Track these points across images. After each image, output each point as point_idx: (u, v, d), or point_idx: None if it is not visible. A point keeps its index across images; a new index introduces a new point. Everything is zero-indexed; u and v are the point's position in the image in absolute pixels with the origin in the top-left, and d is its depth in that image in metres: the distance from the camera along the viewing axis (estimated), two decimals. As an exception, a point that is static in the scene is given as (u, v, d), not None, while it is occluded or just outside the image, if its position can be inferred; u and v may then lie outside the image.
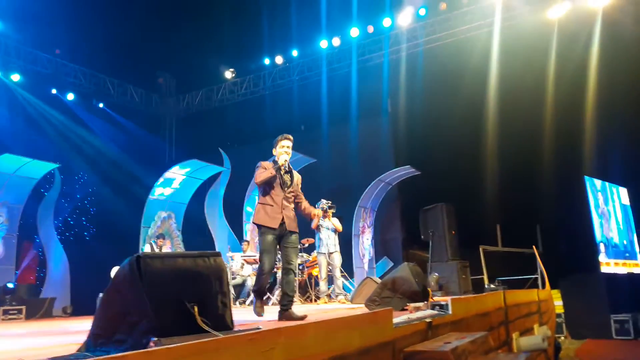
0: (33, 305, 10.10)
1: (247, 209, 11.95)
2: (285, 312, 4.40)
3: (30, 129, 12.75)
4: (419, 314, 4.30)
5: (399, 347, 3.32)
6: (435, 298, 5.92)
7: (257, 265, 9.67)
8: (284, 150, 4.74)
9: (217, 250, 11.58)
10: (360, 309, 5.43)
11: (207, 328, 2.47)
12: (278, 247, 4.68)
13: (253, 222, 4.66)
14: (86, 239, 14.10)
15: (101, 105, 14.67)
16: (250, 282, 9.70)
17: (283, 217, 4.57)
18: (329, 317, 3.03)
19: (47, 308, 10.31)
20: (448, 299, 4.54)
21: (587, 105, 11.86)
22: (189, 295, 2.54)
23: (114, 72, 14.78)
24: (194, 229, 12.33)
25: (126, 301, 2.48)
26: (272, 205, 4.60)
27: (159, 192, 11.43)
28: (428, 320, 3.89)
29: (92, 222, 14.46)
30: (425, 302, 5.03)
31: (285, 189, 4.69)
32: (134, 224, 11.56)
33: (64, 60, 13.66)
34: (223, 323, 2.63)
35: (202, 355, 1.89)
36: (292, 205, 4.77)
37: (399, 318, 3.94)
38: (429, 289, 5.34)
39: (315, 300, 9.21)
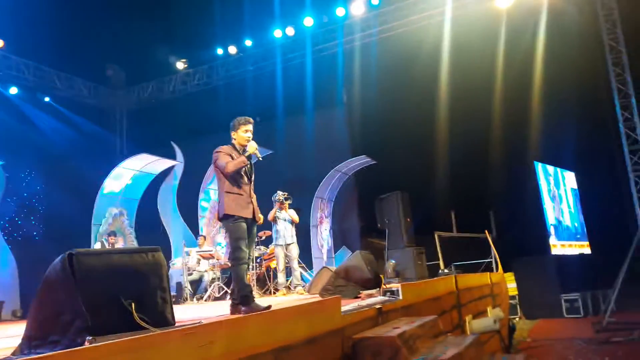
0: (-20, 309, 9.67)
1: (202, 203, 11.76)
2: (237, 306, 4.26)
3: (-31, 125, 12.13)
4: (370, 300, 4.34)
5: (348, 335, 3.33)
6: (391, 285, 5.99)
7: (213, 260, 9.58)
8: (247, 135, 4.54)
9: (172, 246, 11.42)
10: (317, 299, 5.44)
11: (145, 325, 2.40)
12: None
13: (224, 214, 4.35)
14: (35, 238, 13.58)
15: (47, 99, 14.06)
16: (208, 277, 9.57)
17: (253, 208, 4.45)
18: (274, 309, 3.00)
19: (-5, 312, 9.89)
20: (399, 285, 4.59)
21: (534, 92, 12.23)
22: (126, 292, 2.47)
23: (60, 64, 14.19)
24: (148, 225, 12.05)
25: (59, 300, 2.39)
26: (241, 195, 4.42)
27: (110, 188, 11.09)
28: (378, 306, 3.92)
29: (41, 221, 13.93)
30: (378, 289, 5.08)
31: (251, 177, 4.56)
32: (84, 222, 11.18)
33: (6, 53, 13.01)
34: (163, 319, 2.57)
35: (134, 352, 1.83)
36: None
37: (349, 306, 3.95)
38: (381, 275, 5.39)
39: (274, 293, 9.17)
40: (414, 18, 12.18)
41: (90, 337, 2.20)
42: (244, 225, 4.35)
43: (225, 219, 4.38)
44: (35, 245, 12.79)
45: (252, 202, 4.47)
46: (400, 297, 4.46)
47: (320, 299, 5.06)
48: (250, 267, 9.45)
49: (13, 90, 13.40)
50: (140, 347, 1.85)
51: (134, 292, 2.49)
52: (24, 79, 13.45)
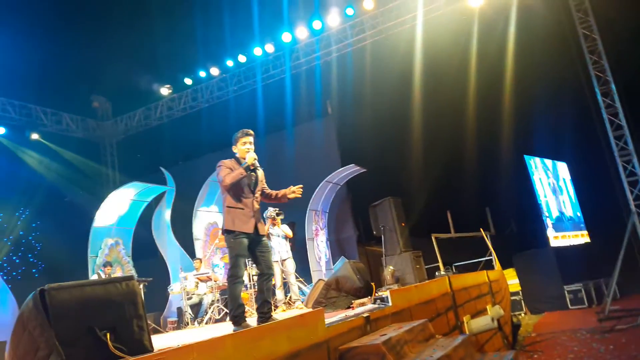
0: (-19, 352, 9.59)
1: (196, 226, 11.76)
2: (268, 319, 4.20)
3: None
4: (359, 310, 4.34)
5: (334, 346, 3.34)
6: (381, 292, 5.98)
7: (211, 282, 9.55)
8: (246, 147, 4.54)
9: (169, 271, 11.40)
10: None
11: (120, 354, 2.42)
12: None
13: (225, 229, 4.33)
14: (35, 276, 13.57)
15: (36, 136, 14.11)
16: (207, 300, 9.54)
17: (255, 221, 4.40)
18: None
19: (-3, 353, 9.82)
20: (388, 291, 4.59)
21: (512, 87, 12.34)
22: (101, 322, 2.48)
23: (45, 100, 14.27)
24: (144, 252, 12.05)
25: (34, 337, 2.40)
26: (242, 209, 4.37)
27: (104, 219, 11.10)
28: (366, 315, 3.92)
29: (39, 258, 13.93)
30: (370, 297, 5.08)
31: (254, 189, 4.53)
32: (81, 255, 11.18)
33: (-9, 93, 13.11)
34: (141, 347, 2.58)
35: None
36: (259, 208, 4.58)
37: (336, 317, 3.96)
38: (372, 283, 5.39)
39: (274, 310, 9.14)
40: (389, 25, 12.29)
41: (65, 372, 2.21)
42: (245, 241, 4.31)
43: (226, 233, 4.36)
44: (35, 283, 12.70)
45: (254, 216, 4.42)
46: (390, 304, 4.46)
47: (302, 312, 5.05)
48: (248, 286, 9.41)
49: (0, 130, 13.45)
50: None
51: (109, 322, 2.50)
52: (10, 118, 13.51)
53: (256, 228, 4.39)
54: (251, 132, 4.64)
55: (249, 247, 4.36)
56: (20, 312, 2.49)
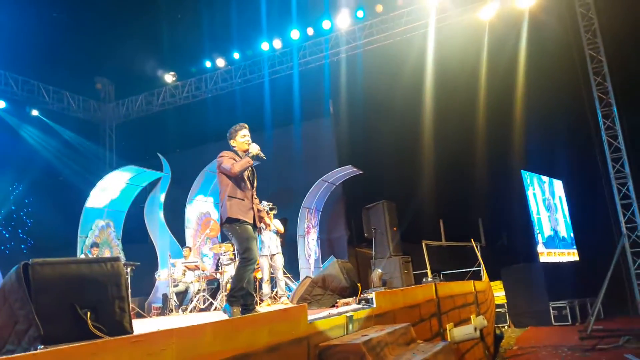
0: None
1: (188, 215, 11.77)
2: (251, 311, 4.25)
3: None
4: (342, 309, 4.35)
5: (315, 343, 3.34)
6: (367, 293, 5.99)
7: (199, 272, 9.56)
8: (246, 139, 4.60)
9: (158, 257, 11.40)
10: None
11: (99, 334, 2.42)
12: None
13: (228, 217, 4.34)
14: (24, 252, 13.54)
15: (35, 112, 14.07)
16: (193, 288, 9.55)
17: (254, 213, 4.46)
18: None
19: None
20: (373, 292, 4.61)
21: (518, 102, 12.39)
22: (83, 301, 2.49)
23: (48, 78, 14.23)
24: (135, 237, 12.04)
25: (13, 310, 2.41)
26: (243, 200, 4.44)
27: (97, 200, 11.08)
28: (349, 314, 3.93)
29: (29, 234, 13.91)
30: (355, 297, 5.10)
31: (253, 182, 4.60)
32: (71, 235, 11.16)
33: (-6, 67, 13.07)
34: (121, 328, 2.59)
35: (80, 358, 1.85)
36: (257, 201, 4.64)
37: (319, 314, 3.97)
38: (358, 284, 5.40)
39: (259, 303, 9.16)
40: (399, 30, 12.32)
41: (42, 346, 2.22)
42: (250, 226, 4.38)
43: (229, 222, 4.37)
44: (22, 258, 12.62)
45: (253, 208, 4.50)
46: (374, 305, 4.47)
47: (285, 307, 5.08)
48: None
49: (1, 104, 13.42)
50: (84, 353, 1.86)
51: (90, 301, 2.51)
52: (12, 92, 13.47)
53: (254, 220, 4.46)
54: (246, 125, 4.71)
55: None
56: (2, 284, 2.50)
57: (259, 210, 4.66)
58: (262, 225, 8.51)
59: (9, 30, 12.05)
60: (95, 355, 1.90)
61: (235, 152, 4.61)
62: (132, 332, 2.61)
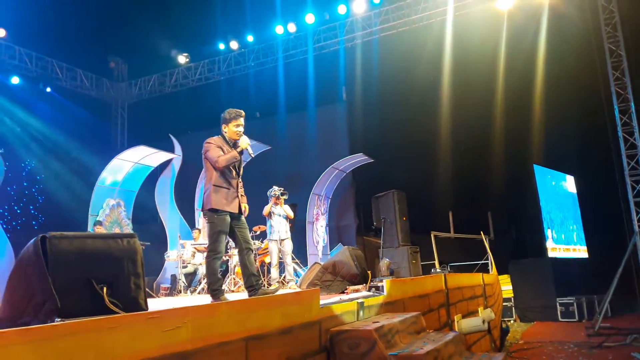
0: (-26, 296, 9.68)
1: (199, 196, 11.81)
2: (258, 291, 4.29)
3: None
4: (353, 295, 4.34)
5: (326, 327, 3.34)
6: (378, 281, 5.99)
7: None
8: (239, 129, 4.48)
9: (168, 238, 11.45)
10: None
11: (115, 309, 2.42)
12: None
13: (210, 206, 4.31)
14: (34, 228, 13.66)
15: (49, 89, 14.11)
16: (202, 270, 9.59)
17: (238, 202, 4.44)
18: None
19: (-11, 299, 9.90)
20: (384, 280, 4.59)
21: (535, 95, 12.22)
22: (99, 276, 2.48)
23: (63, 55, 14.26)
24: (145, 217, 12.10)
25: (31, 282, 2.41)
26: (228, 189, 4.40)
27: (108, 179, 11.13)
28: (360, 301, 3.92)
29: (40, 211, 14.01)
30: (365, 284, 5.09)
31: (239, 171, 4.56)
32: (82, 212, 11.24)
33: (9, 42, 13.07)
34: (136, 304, 2.59)
35: (97, 332, 1.84)
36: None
37: (330, 299, 3.97)
38: (368, 271, 5.39)
39: (267, 287, 9.19)
40: (415, 17, 12.17)
41: (59, 319, 2.22)
42: (228, 219, 4.35)
43: (210, 211, 4.34)
44: (33, 234, 12.74)
45: (237, 196, 4.47)
46: (385, 293, 4.46)
47: (297, 290, 5.08)
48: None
49: (15, 80, 13.45)
50: (102, 327, 1.86)
51: (106, 276, 2.50)
52: (26, 69, 13.51)
53: (239, 207, 4.45)
54: (243, 113, 4.57)
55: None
56: (20, 256, 2.50)
57: (241, 196, 4.64)
58: (273, 209, 8.57)
59: (25, 7, 12.05)
60: (113, 330, 1.90)
61: (224, 139, 4.51)
62: (147, 309, 2.61)
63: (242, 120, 4.53)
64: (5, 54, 13.03)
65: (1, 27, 12.70)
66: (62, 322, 1.79)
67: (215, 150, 4.37)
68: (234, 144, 4.52)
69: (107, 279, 2.50)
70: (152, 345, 2.02)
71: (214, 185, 4.37)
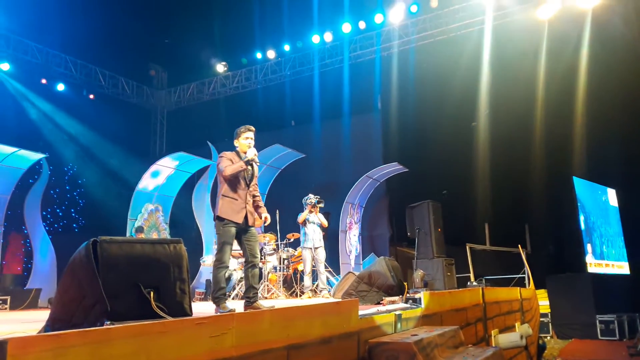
0: (18, 295, 10.01)
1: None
2: (252, 304, 4.41)
3: (18, 119, 12.68)
4: (391, 307, 4.31)
5: (365, 338, 3.33)
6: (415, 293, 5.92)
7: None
8: (248, 142, 4.69)
9: (204, 243, 11.62)
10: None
11: (161, 313, 2.47)
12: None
13: (217, 215, 4.52)
14: (75, 230, 14.07)
15: (92, 96, 14.57)
16: (236, 276, 9.68)
17: (246, 213, 4.56)
18: (289, 306, 3.03)
19: (32, 299, 10.21)
20: (422, 292, 4.54)
21: (577, 106, 11.91)
22: (146, 280, 2.55)
23: (105, 63, 14.70)
24: (182, 222, 12.32)
25: (82, 285, 2.48)
26: (236, 200, 4.54)
27: (147, 184, 11.39)
28: (398, 313, 3.89)
29: (81, 214, 14.43)
30: (401, 296, 5.05)
31: (250, 183, 4.68)
32: (121, 216, 11.53)
33: (55, 50, 13.57)
34: (181, 309, 2.64)
35: (146, 336, 1.89)
36: (252, 200, 4.75)
37: (368, 310, 3.95)
38: (405, 283, 5.34)
39: (300, 295, 9.21)
40: (453, 26, 12.06)
41: (109, 322, 2.28)
42: (233, 230, 4.49)
43: (217, 220, 4.53)
44: (74, 237, 13.21)
45: (246, 207, 4.58)
46: (423, 306, 4.42)
47: (337, 300, 5.07)
48: (277, 268, 9.54)
49: (60, 87, 13.95)
50: (152, 332, 1.91)
51: (153, 281, 2.57)
52: (71, 75, 13.98)
53: (246, 219, 4.55)
54: (253, 128, 4.79)
55: (236, 235, 4.55)
56: (72, 259, 2.58)
57: (258, 207, 4.78)
58: (308, 217, 8.59)
59: (70, 15, 12.50)
60: (162, 334, 1.95)
61: (237, 152, 4.71)
62: (192, 314, 2.66)
63: (251, 134, 4.75)
64: (53, 61, 13.53)
65: (51, 34, 13.17)
66: (115, 326, 1.83)
67: (225, 161, 4.58)
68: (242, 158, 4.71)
69: (153, 284, 2.56)
70: (199, 351, 2.05)
71: (223, 195, 4.57)
